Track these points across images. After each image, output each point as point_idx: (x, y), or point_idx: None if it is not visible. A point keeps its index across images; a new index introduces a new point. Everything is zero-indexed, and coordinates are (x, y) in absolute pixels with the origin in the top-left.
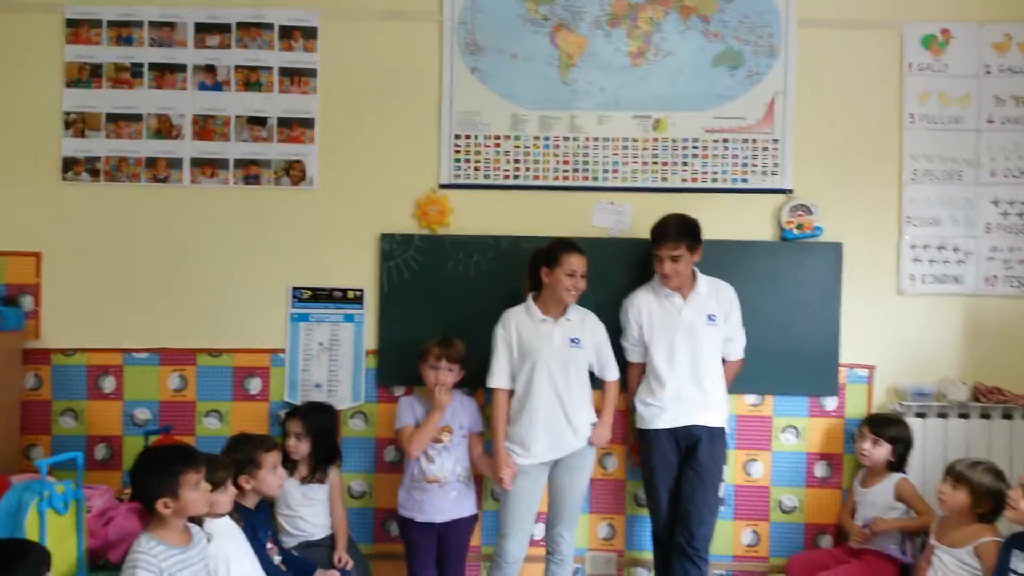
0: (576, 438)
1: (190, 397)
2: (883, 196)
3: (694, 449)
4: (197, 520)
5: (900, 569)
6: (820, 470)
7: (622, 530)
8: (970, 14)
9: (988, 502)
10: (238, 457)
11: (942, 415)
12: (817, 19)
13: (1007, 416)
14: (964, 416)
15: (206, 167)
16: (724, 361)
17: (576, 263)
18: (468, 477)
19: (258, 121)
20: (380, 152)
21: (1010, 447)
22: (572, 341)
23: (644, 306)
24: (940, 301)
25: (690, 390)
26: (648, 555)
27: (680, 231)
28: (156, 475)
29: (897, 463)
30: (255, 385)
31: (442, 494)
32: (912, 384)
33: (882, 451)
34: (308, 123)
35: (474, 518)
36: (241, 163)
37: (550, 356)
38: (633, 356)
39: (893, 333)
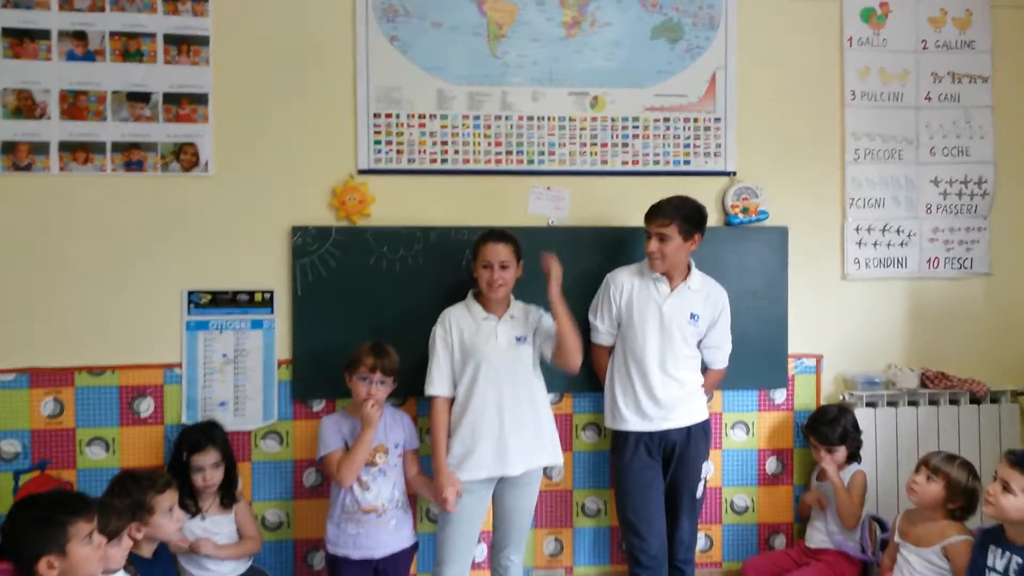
0: (539, 451)
1: (68, 424)
2: (826, 177)
3: (671, 456)
4: None
5: (861, 568)
6: (771, 466)
7: (570, 544)
8: None
9: (961, 499)
10: (125, 502)
11: (892, 404)
12: None
13: (954, 402)
14: (913, 403)
15: (78, 151)
16: (706, 369)
17: (490, 252)
18: (405, 502)
19: (140, 97)
20: (288, 133)
21: (957, 433)
22: (518, 339)
23: (627, 286)
24: (884, 285)
25: (663, 388)
26: (597, 569)
27: (675, 210)
28: (37, 529)
29: (853, 454)
30: (146, 406)
31: (380, 524)
32: (861, 373)
33: (839, 454)
34: (200, 99)
35: (414, 547)
36: (121, 147)
37: (495, 357)
38: (603, 338)
39: (839, 320)
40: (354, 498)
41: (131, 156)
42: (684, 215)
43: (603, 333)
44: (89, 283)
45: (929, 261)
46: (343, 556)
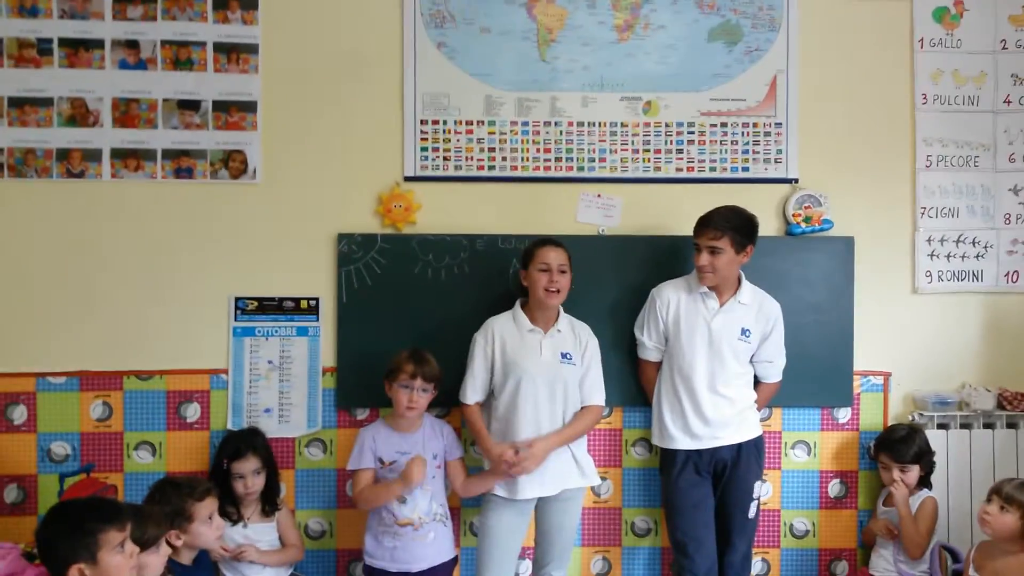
0: (579, 474)
1: (116, 427)
2: (896, 185)
3: (722, 474)
4: None
5: None
6: (834, 489)
7: (618, 564)
8: None
9: None
10: (165, 509)
11: (966, 425)
12: None
13: None
14: (989, 426)
15: (129, 159)
16: (759, 382)
17: (551, 256)
18: (446, 514)
19: (190, 105)
20: (335, 140)
21: None
22: (563, 356)
23: (674, 300)
24: (958, 299)
25: (713, 407)
26: None
27: (726, 221)
28: (69, 536)
29: (925, 478)
30: (193, 412)
31: (418, 538)
32: (932, 392)
33: (912, 475)
34: (249, 107)
35: (453, 561)
36: (171, 154)
37: (537, 372)
38: (651, 354)
39: (908, 336)
40: (390, 512)
41: (181, 163)
42: (736, 226)
43: (650, 349)
44: (139, 288)
45: (1007, 275)
46: (380, 568)
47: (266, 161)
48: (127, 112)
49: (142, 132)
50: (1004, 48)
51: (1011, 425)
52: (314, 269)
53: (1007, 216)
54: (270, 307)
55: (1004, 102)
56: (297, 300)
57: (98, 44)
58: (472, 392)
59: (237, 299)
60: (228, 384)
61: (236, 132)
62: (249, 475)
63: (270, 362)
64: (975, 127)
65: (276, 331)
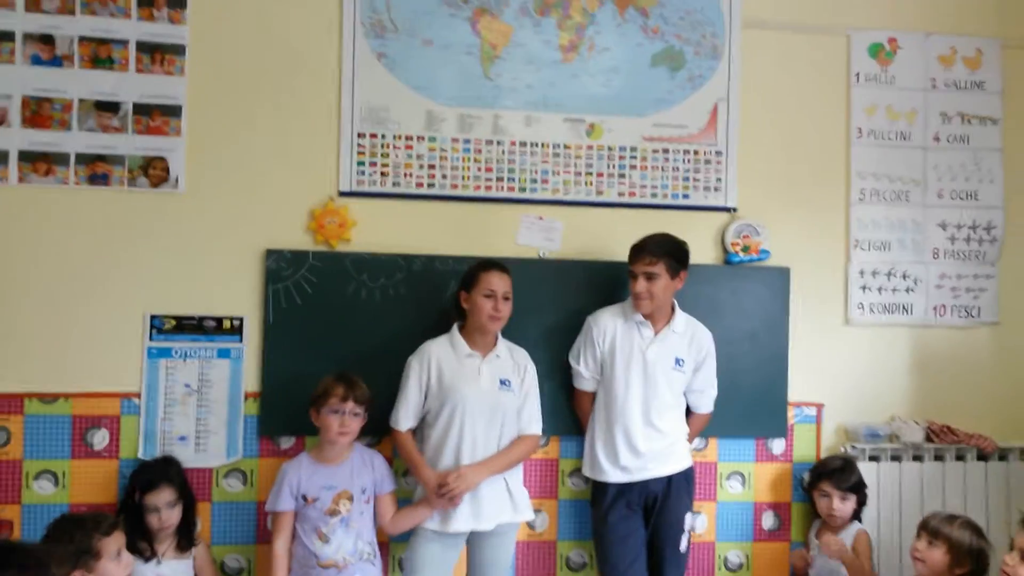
0: (512, 509)
1: (15, 455)
2: (831, 217)
3: (653, 506)
4: None
5: None
6: (768, 521)
7: None
8: (917, 24)
9: (967, 562)
10: (68, 548)
11: (895, 458)
12: (762, 19)
13: (960, 457)
14: (918, 458)
15: (40, 162)
16: (690, 413)
17: (495, 282)
18: (374, 552)
19: (109, 107)
20: (265, 150)
21: (964, 491)
22: (502, 383)
23: (610, 328)
24: (888, 332)
25: (645, 438)
26: None
27: (660, 247)
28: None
29: (858, 511)
30: (101, 438)
31: None
32: (863, 424)
33: (850, 504)
34: (173, 111)
35: None
36: (85, 158)
37: (476, 399)
38: (587, 384)
39: (841, 367)
40: (311, 552)
41: (96, 169)
42: (669, 251)
43: (587, 379)
44: (44, 302)
45: (936, 308)
46: None
47: (190, 170)
48: (38, 112)
49: (54, 134)
50: (934, 87)
51: (938, 458)
52: (239, 287)
53: (935, 251)
54: (189, 326)
55: (934, 139)
56: (219, 319)
57: (8, 37)
58: (405, 418)
59: (153, 317)
60: (140, 409)
61: (158, 137)
62: (163, 508)
63: (187, 386)
64: (907, 162)
65: (195, 352)
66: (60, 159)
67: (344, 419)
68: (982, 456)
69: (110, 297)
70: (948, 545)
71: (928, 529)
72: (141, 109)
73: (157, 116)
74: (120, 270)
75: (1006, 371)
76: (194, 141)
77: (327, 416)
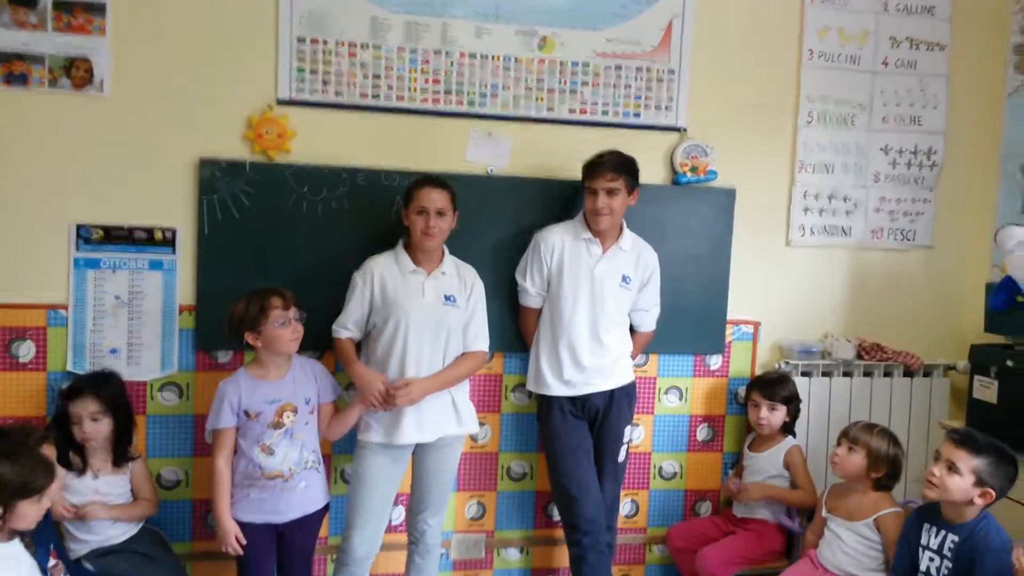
0: (457, 422)
1: None
2: (778, 139)
3: (595, 420)
4: None
5: (787, 537)
6: (702, 433)
7: (492, 508)
8: None
9: (884, 466)
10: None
11: (827, 374)
12: None
13: (887, 374)
14: (848, 374)
15: None
16: (633, 331)
17: (427, 198)
18: (318, 460)
19: (25, 1)
20: (198, 53)
21: (889, 406)
22: (447, 299)
23: (559, 245)
24: (827, 253)
25: (590, 353)
26: (519, 533)
27: (619, 164)
28: None
29: (790, 423)
30: (27, 350)
31: (288, 489)
32: (798, 342)
33: (779, 415)
34: (97, 9)
35: (324, 509)
36: (2, 57)
37: (420, 315)
38: (532, 300)
39: (779, 287)
40: (256, 464)
41: (13, 68)
42: (628, 169)
43: (533, 295)
44: None
45: (874, 232)
46: (245, 522)
47: (116, 71)
48: None
49: None
50: (886, 9)
51: (867, 374)
52: (171, 197)
53: (876, 174)
54: (119, 237)
55: (882, 63)
56: (150, 230)
57: None
58: (344, 327)
59: (79, 227)
60: (68, 321)
61: (81, 36)
62: (86, 418)
63: (117, 298)
64: (855, 86)
65: (125, 263)
66: None
67: (293, 325)
68: (908, 372)
69: (31, 205)
70: (866, 451)
71: (848, 436)
72: (61, 6)
73: (79, 13)
74: (43, 177)
75: (937, 293)
76: (120, 41)
77: (275, 330)
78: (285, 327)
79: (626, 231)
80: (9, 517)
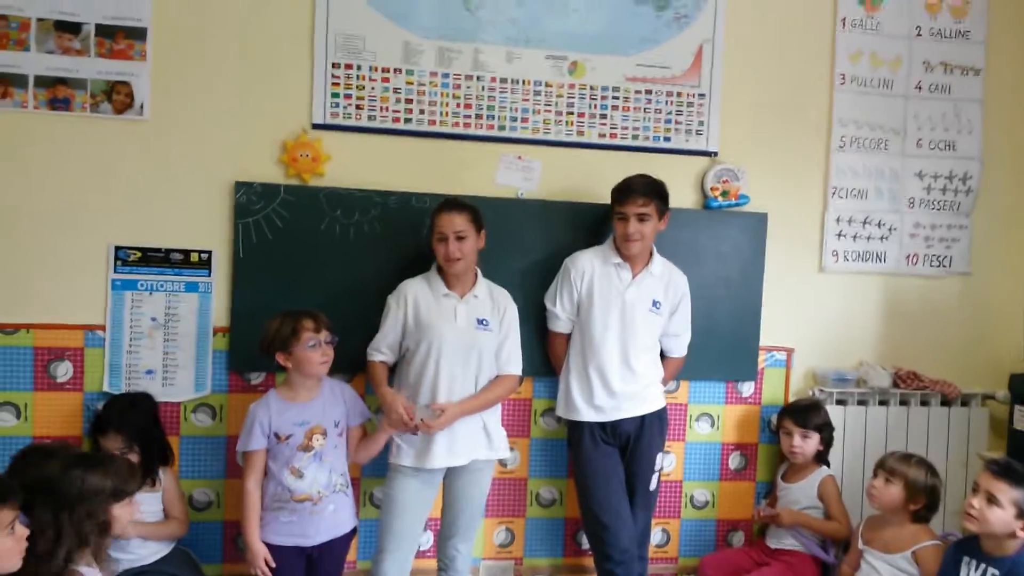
0: (488, 446)
1: None
2: (810, 164)
3: (626, 446)
4: None
5: (823, 570)
6: (734, 461)
7: (521, 534)
8: None
9: (923, 498)
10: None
11: (862, 402)
12: None
13: (924, 403)
14: (884, 403)
15: None
16: (664, 356)
17: (445, 223)
18: (347, 483)
19: (69, 27)
20: (235, 77)
21: (927, 435)
22: (479, 322)
23: (588, 270)
24: (861, 280)
25: (620, 379)
26: (548, 560)
27: (650, 188)
28: None
29: (823, 452)
30: (64, 371)
31: (316, 512)
32: (832, 369)
33: (812, 443)
34: (138, 33)
35: (352, 532)
36: (45, 81)
37: (452, 338)
38: (562, 326)
39: (812, 313)
40: (284, 486)
41: (56, 93)
42: (659, 193)
43: (562, 320)
44: (3, 232)
45: (908, 257)
46: (274, 544)
47: (155, 96)
48: None
49: (12, 54)
50: (919, 35)
51: (903, 403)
52: (207, 220)
53: (911, 200)
54: (155, 259)
55: (915, 87)
56: (186, 252)
57: None
58: (377, 350)
59: (118, 248)
60: (105, 342)
61: (122, 61)
62: (116, 452)
63: (154, 319)
64: (888, 111)
65: (162, 285)
66: (18, 81)
67: (323, 348)
68: (945, 402)
69: (72, 227)
70: (904, 482)
71: (885, 467)
72: (104, 31)
73: (121, 39)
74: (83, 199)
75: (973, 320)
76: (160, 66)
77: (305, 352)
78: (315, 350)
79: (656, 255)
80: (109, 522)
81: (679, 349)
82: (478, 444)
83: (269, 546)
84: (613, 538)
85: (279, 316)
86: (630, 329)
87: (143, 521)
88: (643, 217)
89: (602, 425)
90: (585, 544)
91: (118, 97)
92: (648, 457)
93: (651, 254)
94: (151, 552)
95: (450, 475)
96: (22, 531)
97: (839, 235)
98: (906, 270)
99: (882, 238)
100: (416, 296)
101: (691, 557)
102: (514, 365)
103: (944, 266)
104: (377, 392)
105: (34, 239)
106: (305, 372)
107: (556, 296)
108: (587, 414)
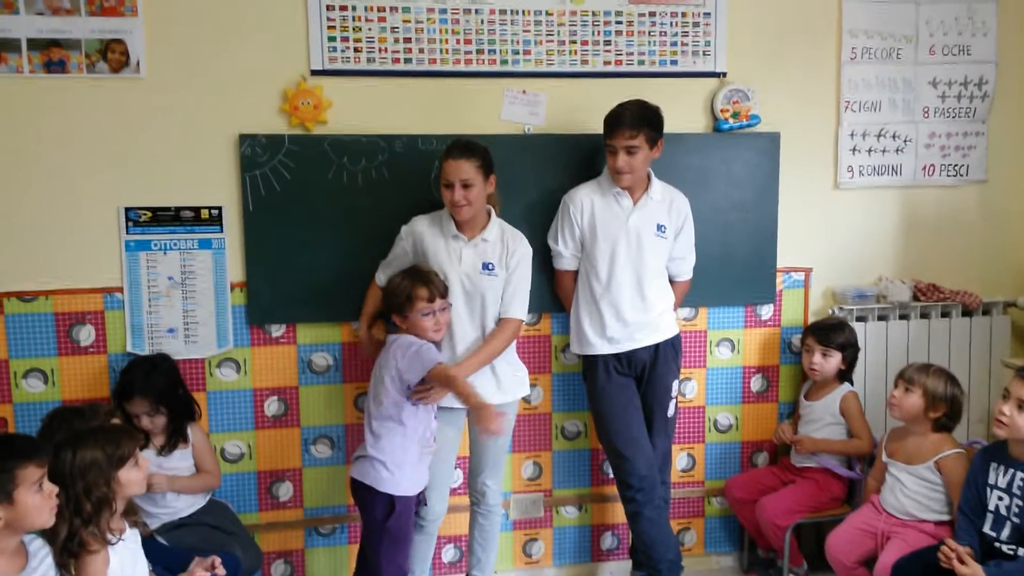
0: (497, 389)
1: (0, 355)
2: (821, 79)
3: (641, 375)
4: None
5: (848, 484)
6: (756, 384)
7: (549, 468)
8: None
9: (943, 406)
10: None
11: (882, 317)
12: None
13: (945, 314)
14: (904, 317)
15: None
16: (671, 282)
17: (450, 170)
18: None
19: None
20: (229, 28)
21: (948, 346)
22: (484, 267)
23: (587, 204)
24: (877, 194)
25: (633, 308)
26: (576, 491)
27: (638, 119)
28: None
29: (847, 371)
30: (87, 334)
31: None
32: (851, 286)
33: (833, 361)
34: None
35: None
36: (38, 44)
37: (455, 282)
38: (567, 263)
39: (829, 231)
40: (431, 431)
41: (51, 55)
42: (649, 122)
43: (567, 257)
44: (11, 200)
45: (924, 168)
46: (409, 495)
47: (151, 52)
48: None
49: (1, 18)
50: None
51: (924, 316)
52: (214, 175)
53: (926, 109)
54: (166, 218)
55: None
56: (196, 210)
57: None
58: (382, 274)
59: (128, 210)
60: (124, 303)
61: (114, 19)
62: (142, 415)
63: (171, 278)
64: (899, 18)
65: (175, 244)
66: (10, 45)
67: (437, 317)
68: (967, 312)
69: (81, 191)
70: (923, 391)
71: (904, 377)
72: None
73: None
74: (88, 163)
75: (992, 228)
76: (152, 20)
77: (419, 319)
78: (428, 318)
79: (654, 180)
80: (118, 490)
81: (686, 272)
82: (486, 389)
83: (401, 498)
84: (631, 466)
85: (399, 275)
86: (638, 256)
87: (175, 476)
88: (631, 150)
89: (616, 356)
90: (611, 473)
91: (113, 55)
92: (664, 384)
93: (649, 179)
94: (187, 505)
95: (471, 415)
96: (50, 488)
97: (853, 150)
98: (923, 181)
99: (897, 150)
100: (424, 234)
101: (717, 480)
102: (515, 309)
103: (961, 175)
104: (361, 320)
105: (44, 205)
106: (419, 335)
107: (558, 234)
108: (601, 347)
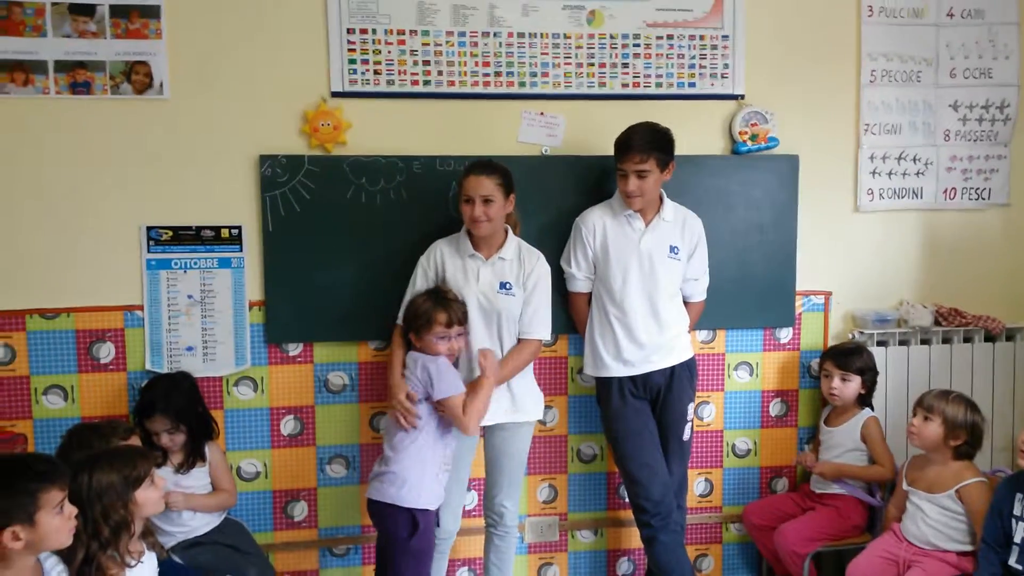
0: (512, 408)
1: (21, 371)
2: (840, 101)
3: (656, 398)
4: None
5: (869, 512)
6: (775, 408)
7: (564, 491)
8: None
9: (963, 434)
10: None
11: (903, 342)
12: None
13: (967, 340)
14: (926, 342)
15: (16, 72)
16: (685, 303)
17: (472, 186)
18: None
19: (83, 9)
20: (251, 51)
21: (971, 372)
22: (502, 286)
23: (599, 226)
24: (898, 217)
25: (647, 330)
26: (592, 515)
27: (648, 142)
28: (3, 496)
29: (867, 395)
30: (107, 352)
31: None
32: (872, 310)
33: (853, 386)
34: (151, 12)
35: None
36: (64, 66)
37: (473, 301)
38: (581, 285)
39: (849, 255)
40: (451, 449)
41: (76, 76)
42: (659, 146)
43: (580, 280)
44: (36, 219)
45: (946, 191)
46: (432, 509)
47: (174, 74)
48: (9, 17)
49: (29, 41)
50: None
51: (946, 340)
52: (234, 195)
53: (946, 132)
54: (187, 237)
55: (947, 15)
56: (217, 229)
57: None
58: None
59: (149, 228)
60: (144, 321)
61: (138, 41)
62: (162, 434)
63: (190, 297)
64: (919, 41)
65: (195, 263)
66: (38, 67)
67: (451, 343)
68: (989, 337)
69: (103, 210)
70: (942, 419)
71: (923, 405)
72: (118, 11)
73: (136, 18)
74: (111, 182)
75: (1015, 252)
76: (175, 43)
77: (434, 342)
78: (443, 342)
79: (666, 201)
80: (136, 511)
81: (699, 293)
82: (500, 408)
83: (422, 512)
84: (646, 491)
85: (423, 296)
86: (651, 278)
87: (192, 494)
88: (642, 173)
89: (632, 379)
90: (627, 497)
91: (137, 77)
92: (679, 408)
93: (661, 200)
94: (203, 524)
95: (487, 434)
96: (71, 510)
97: (873, 173)
98: (944, 205)
99: (918, 173)
100: (443, 256)
101: (735, 506)
102: (537, 329)
103: (983, 198)
104: (389, 372)
105: (67, 224)
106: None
107: (571, 256)
108: (616, 369)
